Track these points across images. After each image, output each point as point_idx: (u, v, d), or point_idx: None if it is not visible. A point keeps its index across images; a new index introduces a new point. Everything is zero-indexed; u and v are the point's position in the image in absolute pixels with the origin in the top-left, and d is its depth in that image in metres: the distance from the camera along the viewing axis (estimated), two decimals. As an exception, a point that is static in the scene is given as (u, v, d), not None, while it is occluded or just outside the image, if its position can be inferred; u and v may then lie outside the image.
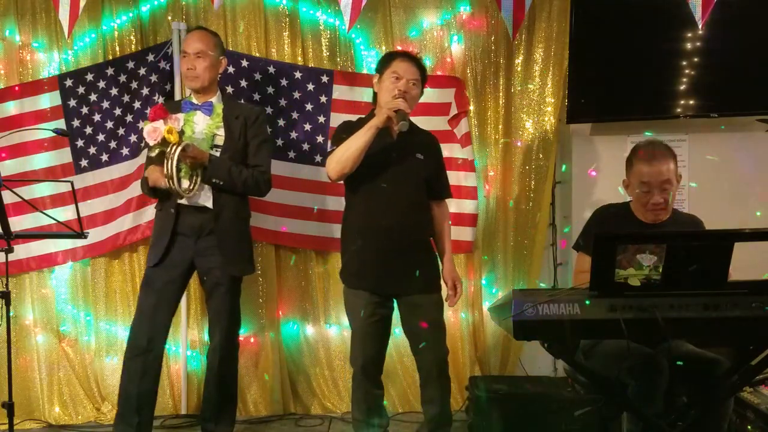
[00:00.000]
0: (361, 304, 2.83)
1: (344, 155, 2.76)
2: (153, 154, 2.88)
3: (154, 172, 2.92)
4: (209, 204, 3.00)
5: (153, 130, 2.81)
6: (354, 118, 3.63)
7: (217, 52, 3.11)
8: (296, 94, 3.69)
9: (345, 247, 2.94)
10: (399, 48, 3.70)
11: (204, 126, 3.03)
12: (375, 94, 2.95)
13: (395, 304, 2.92)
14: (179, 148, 2.81)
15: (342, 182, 2.94)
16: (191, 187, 2.94)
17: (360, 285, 2.85)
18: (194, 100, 3.10)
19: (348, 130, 2.83)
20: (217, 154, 3.01)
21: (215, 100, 3.10)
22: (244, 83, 3.66)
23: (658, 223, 2.67)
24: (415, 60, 2.91)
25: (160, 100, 3.63)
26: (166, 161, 2.82)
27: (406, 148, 2.87)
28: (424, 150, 2.92)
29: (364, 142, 2.74)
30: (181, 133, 2.89)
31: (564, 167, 3.85)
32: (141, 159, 3.62)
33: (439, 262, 2.99)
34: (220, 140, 3.04)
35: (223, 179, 2.96)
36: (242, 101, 3.62)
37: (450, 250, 3.02)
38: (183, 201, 2.99)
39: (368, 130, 2.74)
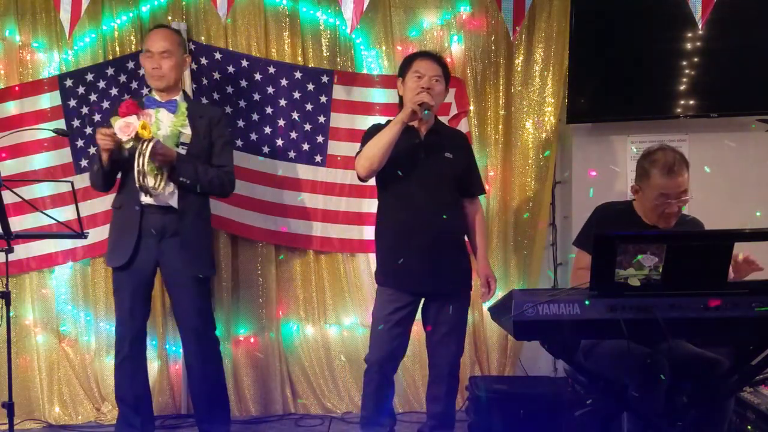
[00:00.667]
0: (386, 300, 2.86)
1: (371, 152, 2.78)
2: (127, 147, 2.83)
3: (102, 138, 2.82)
4: (174, 203, 2.98)
5: (126, 126, 2.77)
6: (354, 118, 3.67)
7: (182, 51, 3.10)
8: (296, 94, 3.69)
9: (378, 246, 2.97)
10: (399, 48, 3.71)
11: (169, 123, 3.01)
12: (401, 99, 2.96)
13: (421, 302, 2.94)
14: (151, 145, 2.79)
15: (359, 183, 3.00)
16: (156, 186, 2.91)
17: (390, 283, 2.87)
18: (157, 98, 3.07)
19: (375, 131, 2.86)
20: (183, 151, 2.99)
21: (179, 98, 3.09)
22: (244, 83, 3.66)
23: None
24: (436, 57, 2.94)
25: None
26: (137, 158, 2.79)
27: (435, 147, 2.89)
28: (453, 148, 2.93)
29: (390, 137, 2.75)
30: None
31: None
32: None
33: (473, 260, 3.00)
34: (186, 138, 3.02)
35: (190, 178, 2.95)
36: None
37: (484, 247, 3.02)
38: (147, 200, 2.96)
39: (394, 125, 2.77)
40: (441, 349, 2.91)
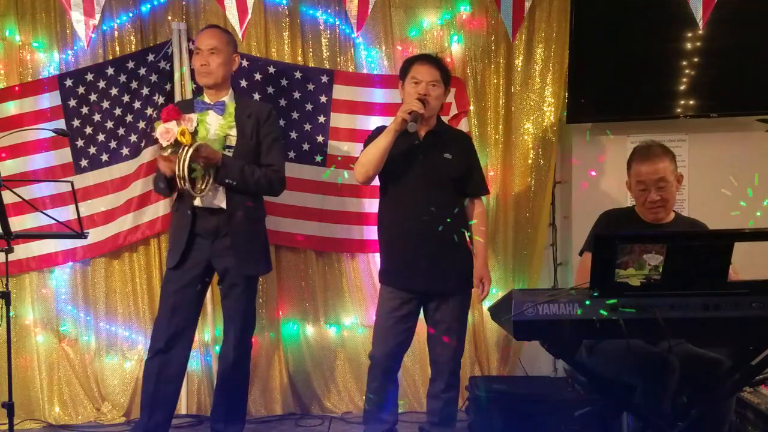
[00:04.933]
0: (387, 298, 2.92)
1: (366, 159, 2.87)
2: (166, 154, 2.84)
3: (162, 163, 2.88)
4: (223, 205, 2.99)
5: (166, 131, 2.78)
6: (354, 118, 3.69)
7: (230, 49, 3.09)
8: (296, 94, 3.69)
9: (380, 246, 3.04)
10: (399, 48, 3.71)
11: (216, 126, 3.01)
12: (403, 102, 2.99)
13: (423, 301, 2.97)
14: (191, 150, 2.79)
15: (359, 183, 3.03)
16: (203, 188, 2.92)
17: (392, 282, 2.94)
18: (206, 99, 3.07)
19: (376, 135, 2.92)
20: (230, 154, 3.00)
21: (227, 99, 3.08)
22: (244, 83, 3.66)
23: (660, 223, 2.69)
24: (434, 61, 2.97)
25: (161, 100, 3.62)
26: (177, 162, 2.80)
27: (433, 148, 2.93)
28: (453, 149, 2.96)
29: (384, 145, 2.82)
30: (195, 133, 2.85)
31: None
32: (141, 159, 3.63)
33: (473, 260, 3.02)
34: (232, 141, 3.02)
35: (235, 179, 2.95)
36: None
37: (483, 248, 3.03)
38: (198, 202, 2.98)
39: (387, 134, 2.83)
40: (442, 348, 2.95)
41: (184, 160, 2.80)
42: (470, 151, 3.07)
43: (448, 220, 2.88)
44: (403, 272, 2.90)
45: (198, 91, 3.35)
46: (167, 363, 3.00)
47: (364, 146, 2.97)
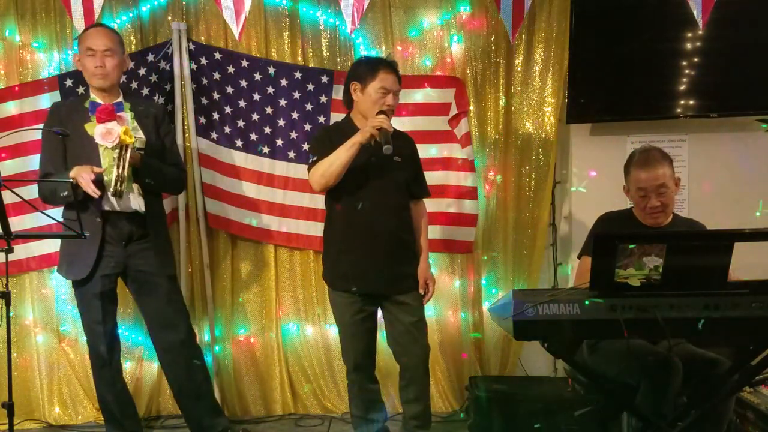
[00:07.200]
0: (346, 303, 2.88)
1: (328, 170, 2.76)
2: (115, 155, 2.78)
3: (84, 173, 2.77)
4: (140, 207, 2.94)
5: (107, 132, 2.73)
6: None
7: (122, 50, 3.06)
8: (296, 94, 3.69)
9: (327, 251, 2.97)
10: (399, 48, 3.70)
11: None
12: (350, 100, 2.92)
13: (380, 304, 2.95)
14: (131, 150, 2.76)
15: None
16: (122, 190, 2.81)
17: (345, 287, 2.88)
18: (100, 101, 2.98)
19: (326, 137, 2.86)
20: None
21: (122, 100, 3.03)
22: (244, 83, 3.66)
23: (658, 226, 2.69)
24: (396, 69, 2.90)
25: (160, 100, 3.62)
26: (118, 163, 2.75)
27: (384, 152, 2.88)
28: (401, 152, 2.92)
29: (347, 158, 2.74)
30: None
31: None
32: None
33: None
34: (141, 143, 2.96)
35: (154, 179, 2.94)
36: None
37: (426, 248, 3.02)
38: (109, 207, 2.90)
39: (352, 146, 2.74)
40: (410, 349, 2.91)
41: (125, 161, 2.74)
42: (415, 153, 3.03)
43: (401, 222, 2.89)
44: (359, 276, 2.83)
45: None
46: (115, 369, 3.07)
47: (312, 150, 2.89)
